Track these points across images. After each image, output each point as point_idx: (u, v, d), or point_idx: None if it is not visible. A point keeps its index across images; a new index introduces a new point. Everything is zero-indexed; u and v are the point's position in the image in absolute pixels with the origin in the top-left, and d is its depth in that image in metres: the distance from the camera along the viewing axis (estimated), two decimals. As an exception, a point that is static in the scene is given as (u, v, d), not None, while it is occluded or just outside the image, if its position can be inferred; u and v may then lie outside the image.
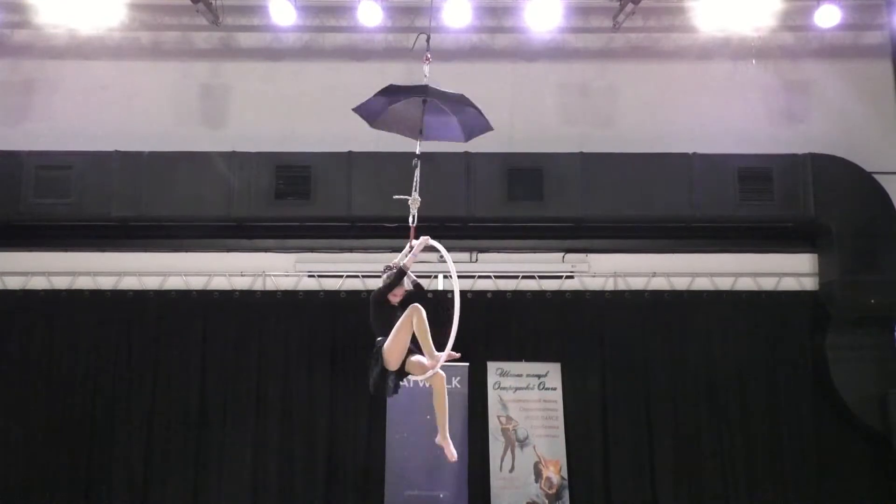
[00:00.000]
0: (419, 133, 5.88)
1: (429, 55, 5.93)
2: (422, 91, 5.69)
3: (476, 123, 5.99)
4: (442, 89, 5.66)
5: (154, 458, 9.20)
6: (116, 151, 9.31)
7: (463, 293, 9.58)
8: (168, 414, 9.32)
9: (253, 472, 9.15)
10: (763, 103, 10.08)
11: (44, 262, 9.65)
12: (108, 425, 9.25)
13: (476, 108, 5.79)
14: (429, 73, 5.85)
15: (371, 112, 5.99)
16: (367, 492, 9.10)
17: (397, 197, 5.95)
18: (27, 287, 9.59)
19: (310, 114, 9.87)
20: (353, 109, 5.99)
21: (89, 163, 9.26)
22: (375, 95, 5.79)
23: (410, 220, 5.92)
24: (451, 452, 5.77)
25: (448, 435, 5.77)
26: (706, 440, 9.36)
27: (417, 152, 5.92)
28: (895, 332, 9.45)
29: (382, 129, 6.13)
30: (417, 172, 5.90)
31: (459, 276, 9.81)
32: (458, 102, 5.76)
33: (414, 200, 5.91)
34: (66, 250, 9.68)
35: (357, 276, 9.74)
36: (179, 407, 9.33)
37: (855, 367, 9.16)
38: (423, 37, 5.98)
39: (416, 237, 5.89)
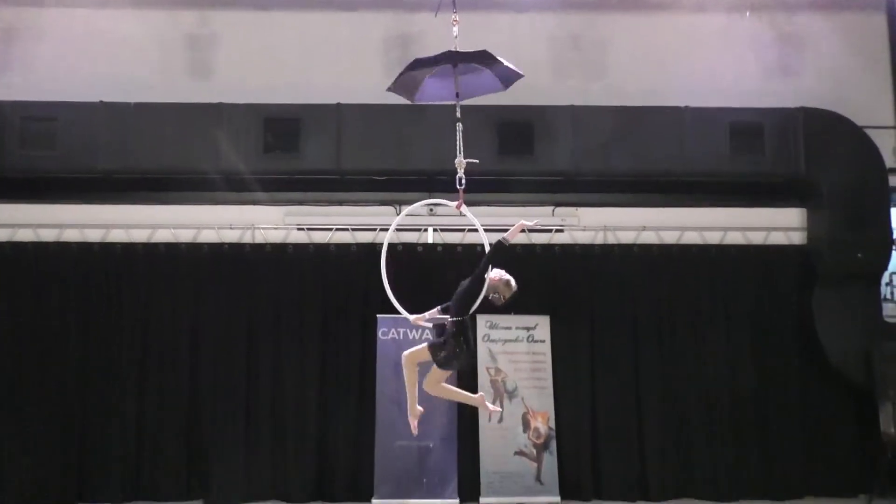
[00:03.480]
0: (456, 96, 5.99)
1: (456, 17, 5.98)
2: (448, 58, 5.77)
3: (510, 73, 6.06)
4: (465, 51, 5.72)
5: (146, 409, 9.25)
6: (102, 102, 9.18)
7: (452, 246, 9.73)
8: (159, 366, 9.35)
9: (245, 423, 9.23)
10: (756, 56, 9.99)
11: (30, 214, 9.57)
12: (99, 379, 9.27)
13: (501, 61, 5.84)
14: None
15: (408, 88, 6.05)
16: (357, 442, 9.21)
17: (465, 161, 6.05)
18: (14, 240, 9.53)
19: (298, 65, 9.73)
20: (389, 90, 6.06)
21: (74, 114, 9.12)
22: (406, 72, 5.83)
23: (458, 182, 6.02)
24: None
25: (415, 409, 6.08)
26: (692, 391, 9.48)
27: (458, 115, 5.97)
28: (881, 288, 9.54)
29: (424, 102, 6.22)
30: (460, 136, 5.98)
31: (448, 230, 9.92)
32: (485, 58, 5.81)
33: (460, 163, 6.01)
34: (52, 203, 9.59)
35: (346, 230, 9.73)
36: (170, 359, 9.36)
37: (840, 322, 9.25)
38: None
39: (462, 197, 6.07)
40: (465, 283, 5.92)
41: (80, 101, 9.17)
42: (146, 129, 9.13)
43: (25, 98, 9.21)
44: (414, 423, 6.12)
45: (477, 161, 6.12)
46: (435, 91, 6.09)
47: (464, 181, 6.08)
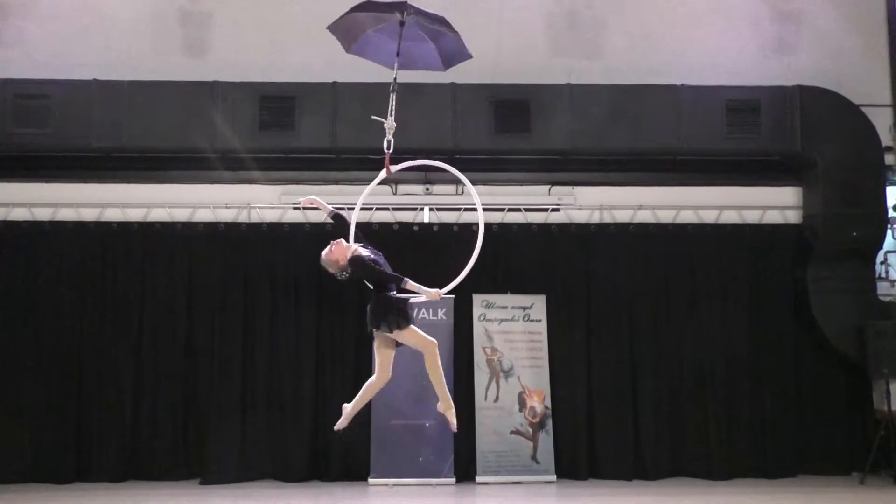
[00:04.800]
0: (395, 56, 5.76)
1: None
2: (401, 6, 5.56)
3: (455, 51, 5.87)
4: (422, 8, 5.55)
5: (142, 388, 9.26)
6: (95, 80, 9.11)
7: (448, 226, 9.72)
8: (155, 346, 9.35)
9: (241, 402, 9.25)
10: (754, 34, 9.96)
11: (25, 193, 9.51)
12: (94, 358, 9.27)
13: (455, 32, 5.69)
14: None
15: (347, 34, 5.86)
16: (354, 421, 9.21)
17: (375, 118, 5.91)
18: (9, 218, 9.49)
19: (294, 42, 9.65)
20: (328, 28, 5.86)
21: (68, 92, 9.05)
22: (351, 12, 5.65)
23: (385, 145, 5.88)
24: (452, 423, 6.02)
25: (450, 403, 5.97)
26: (688, 370, 9.52)
27: (394, 75, 5.83)
28: (876, 266, 9.58)
29: (358, 55, 6.03)
30: (393, 97, 5.85)
31: (444, 209, 9.90)
32: (439, 24, 5.65)
33: (390, 125, 5.87)
34: (47, 181, 9.54)
35: (343, 209, 9.67)
36: (167, 338, 9.35)
37: (835, 299, 9.28)
38: None
39: (392, 163, 5.98)
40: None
41: (74, 78, 9.10)
42: (140, 108, 9.07)
43: (18, 76, 9.13)
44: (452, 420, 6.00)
45: (382, 120, 5.95)
46: (374, 49, 5.87)
47: (391, 145, 5.95)
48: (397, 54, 5.74)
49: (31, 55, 9.46)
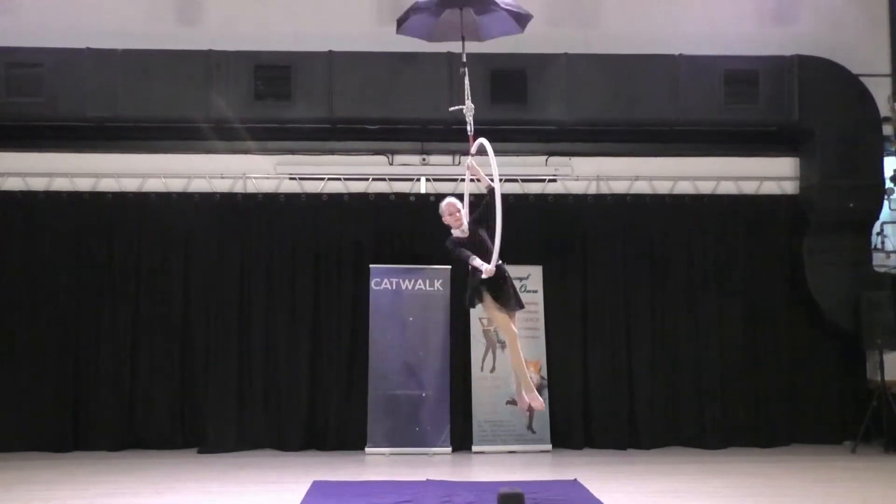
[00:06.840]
0: (462, 39, 6.07)
1: None
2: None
3: (522, 10, 6.03)
4: None
5: (139, 358, 9.29)
6: (88, 49, 9.02)
7: (445, 196, 9.66)
8: (151, 316, 9.36)
9: (238, 372, 9.28)
10: (752, 3, 9.88)
11: (20, 162, 9.46)
12: (91, 328, 9.28)
13: (500, 7, 5.87)
14: None
15: (421, 31, 5.99)
16: (350, 391, 9.29)
17: (452, 109, 6.02)
18: (3, 188, 9.43)
19: (290, 11, 9.56)
20: (400, 33, 5.95)
21: (60, 60, 8.94)
22: (414, 13, 5.79)
23: (469, 128, 5.94)
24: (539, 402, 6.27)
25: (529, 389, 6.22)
26: (682, 341, 9.56)
27: (463, 59, 5.88)
28: (872, 237, 9.58)
29: (442, 41, 6.17)
30: (466, 80, 5.91)
31: (441, 180, 9.86)
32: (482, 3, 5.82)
33: (468, 109, 5.95)
34: (41, 151, 9.49)
35: (339, 179, 9.67)
36: (164, 308, 9.37)
37: (830, 270, 9.30)
38: None
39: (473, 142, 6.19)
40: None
41: (67, 47, 9.00)
42: (134, 77, 8.98)
43: (10, 44, 9.03)
44: (538, 401, 6.21)
45: (461, 108, 6.06)
46: (453, 31, 6.08)
47: (472, 127, 6.03)
48: (462, 38, 5.98)
49: (23, 23, 9.34)
